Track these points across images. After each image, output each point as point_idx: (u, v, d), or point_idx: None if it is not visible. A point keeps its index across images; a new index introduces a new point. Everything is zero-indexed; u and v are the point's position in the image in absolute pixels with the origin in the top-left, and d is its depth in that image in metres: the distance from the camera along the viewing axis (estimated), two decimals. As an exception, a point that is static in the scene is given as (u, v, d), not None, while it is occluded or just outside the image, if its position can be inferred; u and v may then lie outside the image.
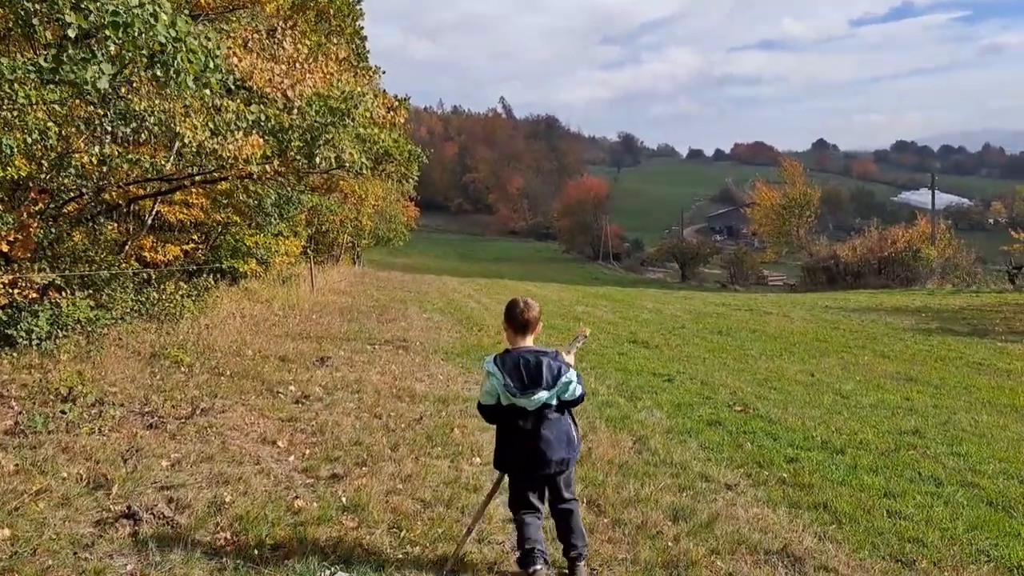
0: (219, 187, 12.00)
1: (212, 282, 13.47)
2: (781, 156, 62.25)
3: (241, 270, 17.02)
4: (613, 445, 6.37)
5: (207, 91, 5.70)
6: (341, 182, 12.63)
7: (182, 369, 8.08)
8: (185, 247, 14.91)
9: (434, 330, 14.32)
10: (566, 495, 3.93)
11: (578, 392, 3.91)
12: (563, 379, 3.79)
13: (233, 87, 8.14)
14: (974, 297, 26.95)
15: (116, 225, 13.92)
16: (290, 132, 8.14)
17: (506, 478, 4.04)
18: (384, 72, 10.59)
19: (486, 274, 41.93)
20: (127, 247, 13.76)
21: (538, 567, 3.74)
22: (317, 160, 8.75)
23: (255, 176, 11.26)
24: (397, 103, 12.04)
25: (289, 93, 8.00)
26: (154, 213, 14.04)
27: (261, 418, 6.49)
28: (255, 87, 8.02)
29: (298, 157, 9.16)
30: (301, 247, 24.11)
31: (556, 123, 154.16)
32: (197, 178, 12.53)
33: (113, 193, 11.47)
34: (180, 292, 10.35)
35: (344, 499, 4.71)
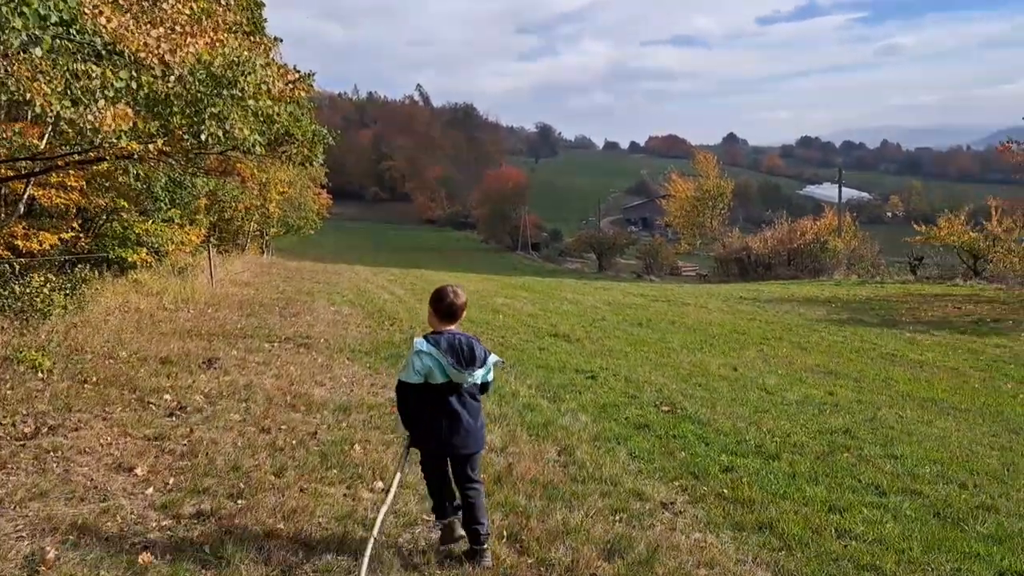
0: (97, 168, 10.73)
1: (91, 274, 12.14)
2: (695, 149, 63.24)
3: (129, 260, 15.60)
4: (536, 458, 5.69)
5: (38, 50, 4.71)
6: (239, 165, 11.47)
7: (39, 375, 6.92)
8: (63, 235, 13.46)
9: (342, 325, 13.36)
10: (473, 476, 4.18)
11: (490, 377, 4.21)
12: (490, 360, 4.10)
13: (103, 51, 7.04)
14: (879, 288, 27.72)
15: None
16: (170, 103, 7.10)
17: (415, 454, 4.27)
18: (281, 41, 9.54)
19: (402, 264, 40.66)
20: (-9, 233, 12.28)
21: (450, 516, 4.17)
22: (203, 137, 7.72)
23: (136, 156, 10.09)
24: (299, 76, 11.06)
25: (168, 58, 6.94)
26: (26, 197, 12.57)
27: (122, 437, 5.48)
28: (127, 52, 6.92)
29: (185, 136, 8.12)
30: (201, 236, 22.58)
31: (474, 112, 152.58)
32: (73, 158, 11.21)
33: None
34: (48, 285, 9.07)
35: (207, 548, 3.84)
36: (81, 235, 14.11)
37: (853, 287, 28.39)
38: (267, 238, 38.25)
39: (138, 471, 4.79)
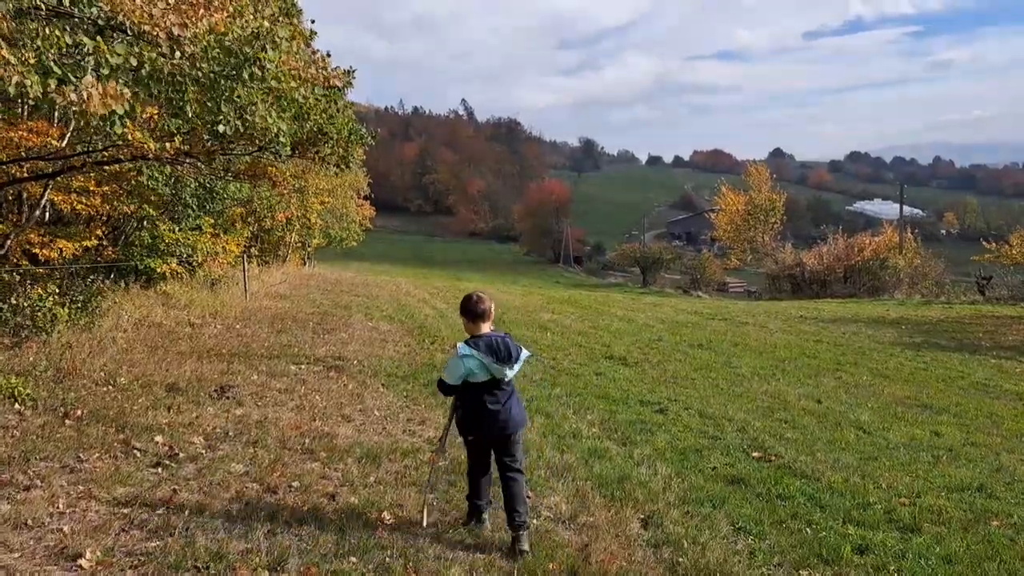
0: (116, 170, 9.79)
1: (113, 284, 11.20)
2: (749, 163, 61.30)
3: (158, 271, 14.70)
4: (617, 535, 4.40)
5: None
6: (270, 168, 10.44)
7: (15, 408, 5.83)
8: (86, 243, 12.57)
9: (379, 343, 12.23)
10: (515, 463, 4.45)
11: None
12: (523, 355, 4.45)
13: (103, 24, 6.02)
14: (948, 308, 26.19)
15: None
16: (181, 87, 6.03)
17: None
18: (316, 35, 8.46)
19: (445, 277, 39.56)
20: (8, 241, 11.42)
21: (485, 516, 4.57)
22: (221, 129, 6.64)
23: (151, 157, 9.09)
24: (339, 72, 10.05)
25: (177, 32, 5.87)
26: (44, 202, 11.70)
27: (84, 500, 4.25)
28: (129, 24, 5.88)
29: (198, 124, 7.06)
30: (241, 246, 21.74)
31: (518, 126, 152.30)
32: (87, 159, 10.28)
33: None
34: (50, 298, 8.06)
35: None
36: (105, 244, 13.21)
37: (918, 307, 26.83)
38: (309, 249, 37.55)
39: (83, 560, 3.51)
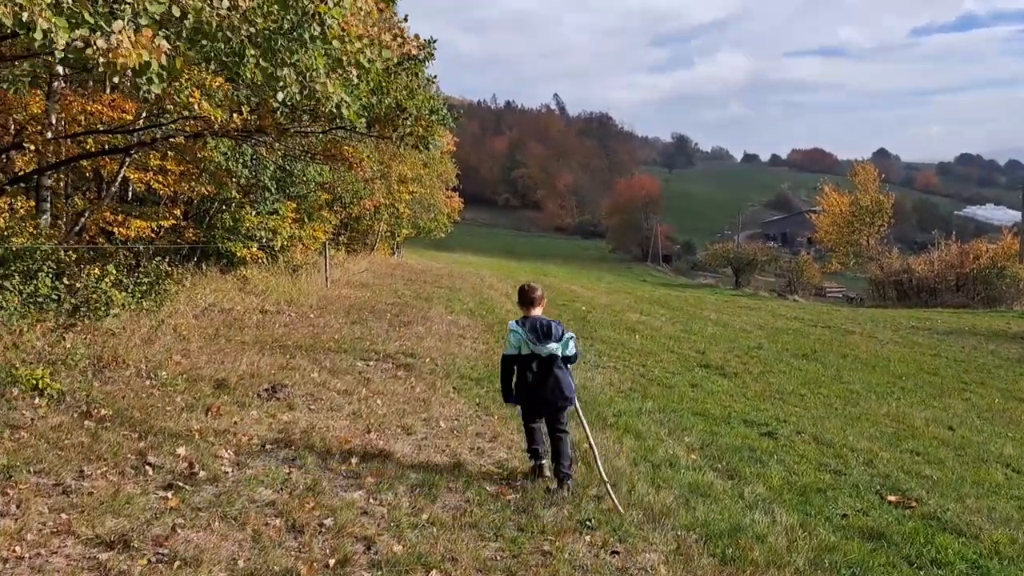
0: (183, 146, 9.29)
1: (182, 267, 10.77)
2: (854, 162, 57.87)
3: (239, 255, 14.32)
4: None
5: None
6: (346, 149, 9.74)
7: (35, 403, 5.23)
8: (163, 223, 12.20)
9: (456, 339, 11.42)
10: (561, 425, 5.15)
11: (573, 351, 5.22)
12: (566, 336, 5.16)
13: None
14: (1080, 324, 23.66)
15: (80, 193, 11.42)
16: (232, 41, 5.29)
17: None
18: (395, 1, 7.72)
19: (530, 272, 38.60)
20: (83, 219, 11.14)
21: (542, 460, 5.22)
22: (281, 97, 5.89)
23: (219, 131, 8.50)
24: (418, 41, 9.24)
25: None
26: (119, 180, 11.37)
27: (58, 535, 3.44)
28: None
29: (256, 91, 6.35)
30: (328, 233, 21.41)
31: (609, 121, 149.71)
32: (157, 133, 9.82)
33: (40, 147, 8.82)
34: (106, 279, 7.54)
35: None
36: (184, 224, 12.85)
37: (1044, 321, 24.40)
38: (398, 239, 37.42)
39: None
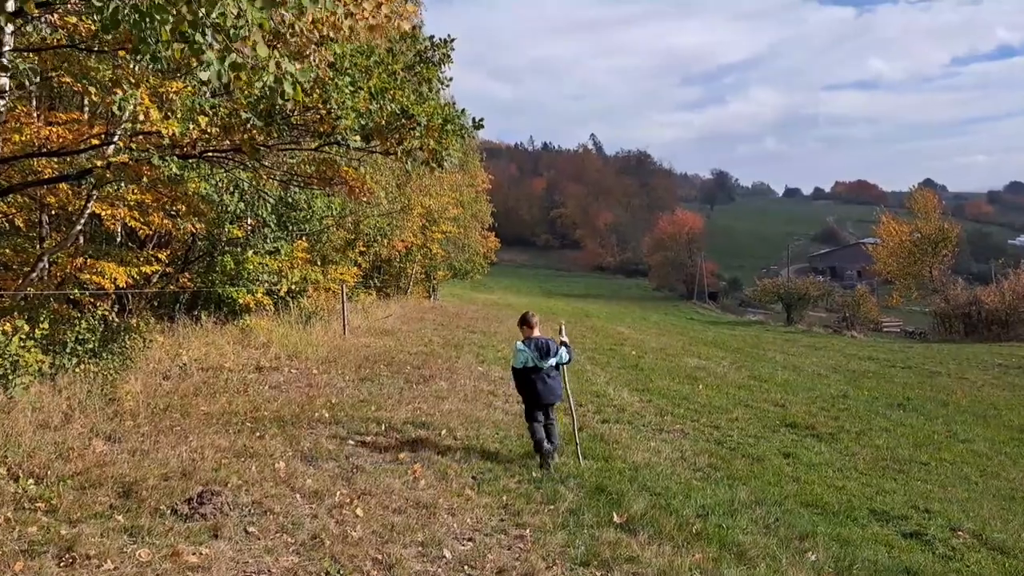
0: (144, 174, 7.56)
1: (156, 317, 8.99)
2: (912, 188, 54.89)
3: (241, 302, 12.56)
4: None
5: None
6: (343, 170, 7.95)
7: None
8: (143, 268, 10.44)
9: (484, 398, 9.44)
10: (551, 417, 6.79)
11: (565, 358, 6.91)
12: (560, 351, 6.79)
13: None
14: None
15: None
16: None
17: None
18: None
19: (571, 312, 36.40)
20: (41, 264, 9.44)
21: (546, 447, 6.53)
22: (204, 74, 4.07)
23: (177, 147, 6.75)
24: (435, 41, 7.49)
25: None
26: (85, 215, 9.63)
27: None
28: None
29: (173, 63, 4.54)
30: (356, 275, 19.69)
31: (648, 159, 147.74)
32: (103, 155, 8.06)
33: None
34: (18, 335, 5.73)
35: None
36: (169, 268, 11.12)
37: None
38: (434, 281, 35.81)
39: None
